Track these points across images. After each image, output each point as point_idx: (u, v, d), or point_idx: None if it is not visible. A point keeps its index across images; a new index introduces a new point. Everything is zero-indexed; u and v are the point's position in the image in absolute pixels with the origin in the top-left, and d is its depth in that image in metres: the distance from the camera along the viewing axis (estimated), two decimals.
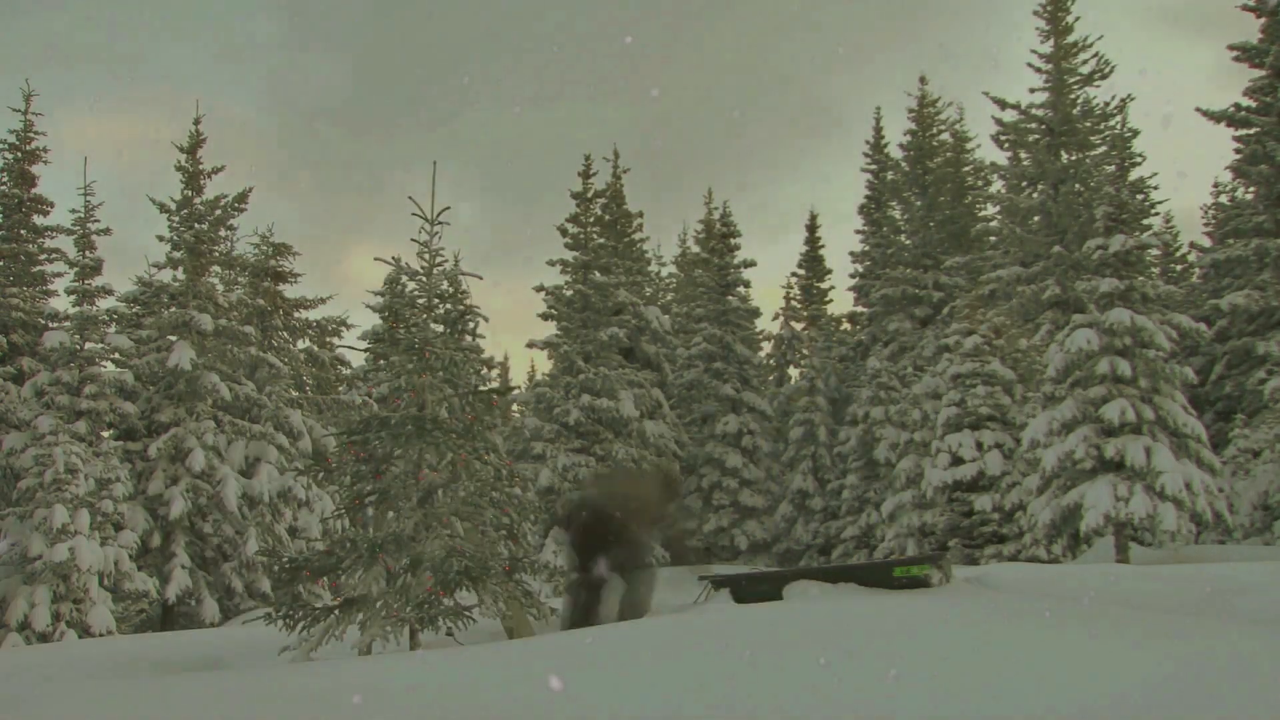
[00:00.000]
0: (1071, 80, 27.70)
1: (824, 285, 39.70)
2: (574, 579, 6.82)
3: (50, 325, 17.89)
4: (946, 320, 27.80)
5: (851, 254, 34.19)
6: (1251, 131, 24.26)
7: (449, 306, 6.77)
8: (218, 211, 19.66)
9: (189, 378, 17.69)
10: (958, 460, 18.67)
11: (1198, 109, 24.50)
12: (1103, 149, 27.13)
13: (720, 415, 28.44)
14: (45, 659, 6.68)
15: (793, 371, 32.85)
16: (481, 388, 6.76)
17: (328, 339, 26.26)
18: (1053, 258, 25.62)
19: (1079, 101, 27.63)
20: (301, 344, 25.55)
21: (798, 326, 32.99)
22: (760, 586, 6.67)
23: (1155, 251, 19.83)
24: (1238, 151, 24.82)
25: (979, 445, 18.62)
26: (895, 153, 34.45)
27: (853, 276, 33.99)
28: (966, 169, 34.02)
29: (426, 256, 6.79)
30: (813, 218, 39.54)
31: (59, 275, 22.12)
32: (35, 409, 16.15)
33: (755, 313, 31.21)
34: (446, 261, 7.14)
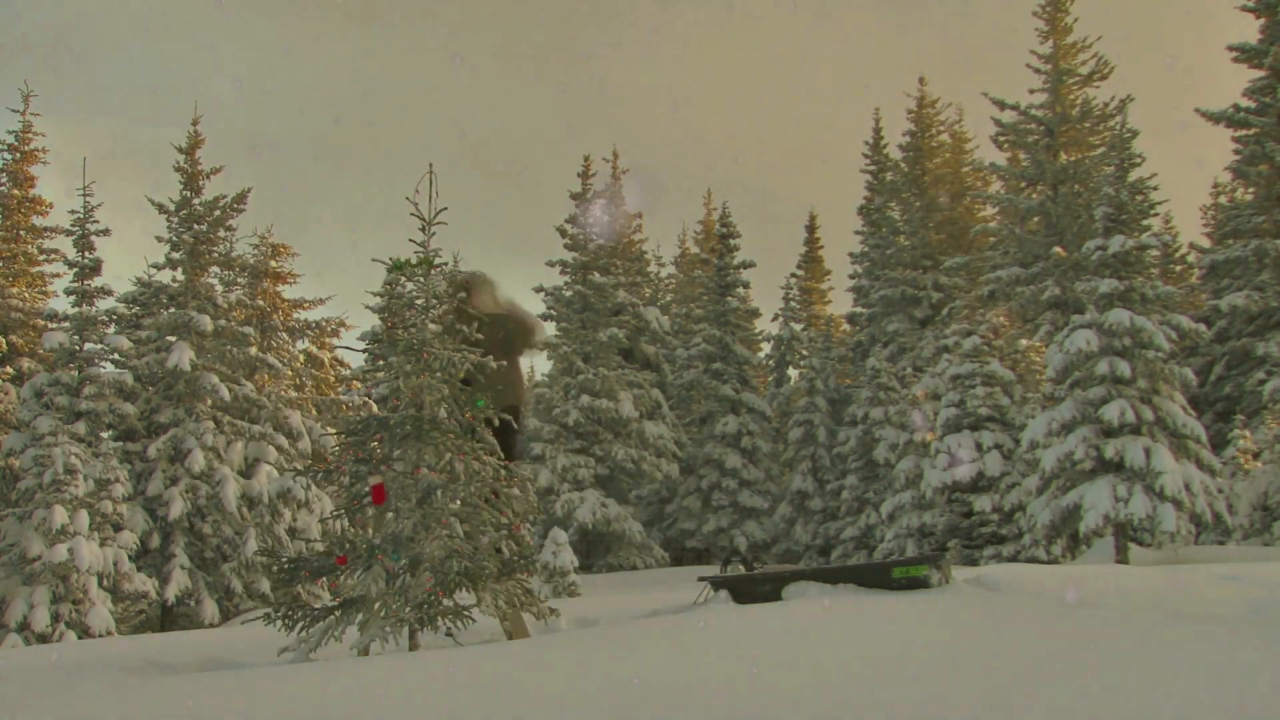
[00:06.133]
0: (1070, 81, 27.75)
1: (823, 286, 39.78)
2: None
3: (49, 326, 17.89)
4: (946, 321, 27.82)
5: (850, 255, 34.21)
6: (1251, 132, 24.29)
7: (447, 307, 6.76)
8: (216, 212, 19.67)
9: (188, 378, 17.69)
10: (957, 461, 18.67)
11: (1197, 109, 24.55)
12: (1102, 149, 27.17)
13: (719, 416, 28.46)
14: (44, 660, 6.69)
15: (792, 372, 32.88)
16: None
17: (326, 339, 26.27)
18: (1052, 258, 25.65)
19: (1078, 102, 27.67)
20: (300, 345, 25.56)
21: (797, 327, 33.01)
22: (760, 587, 6.67)
23: (1155, 252, 19.80)
24: (1237, 152, 24.86)
25: (978, 446, 18.62)
26: (894, 153, 34.48)
27: (852, 277, 34.00)
28: (965, 170, 34.05)
29: (424, 257, 6.78)
30: (812, 218, 39.68)
31: (57, 276, 22.17)
32: (34, 409, 16.15)
33: (754, 313, 31.23)
34: (445, 263, 7.14)
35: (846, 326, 35.36)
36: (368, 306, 26.77)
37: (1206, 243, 29.69)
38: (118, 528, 15.34)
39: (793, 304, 33.97)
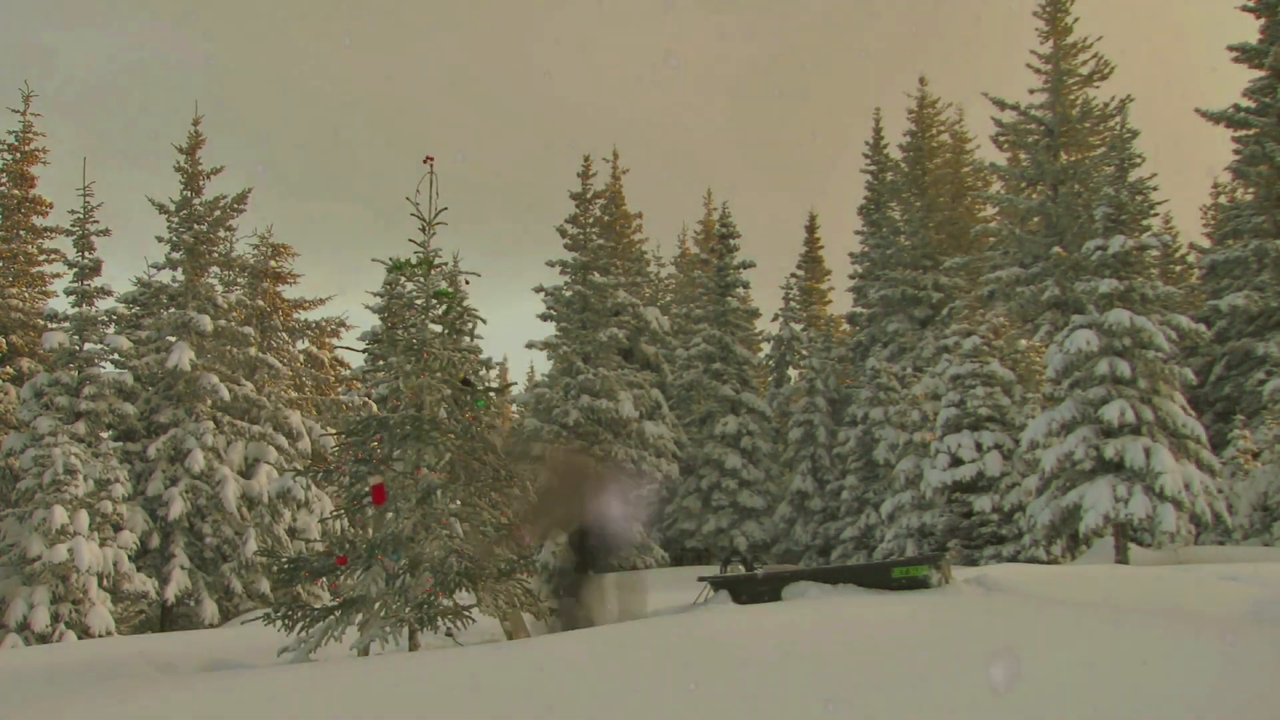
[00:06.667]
0: (1071, 81, 27.75)
1: (823, 286, 39.76)
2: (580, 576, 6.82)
3: (49, 326, 17.88)
4: (946, 321, 27.81)
5: (851, 255, 34.21)
6: (1250, 132, 24.29)
7: (447, 307, 6.76)
8: (217, 212, 19.66)
9: (188, 378, 17.69)
10: (957, 461, 18.67)
11: (1197, 110, 24.56)
12: (1102, 150, 27.17)
13: (719, 416, 28.44)
14: (45, 660, 6.69)
15: (792, 372, 32.88)
16: (478, 387, 6.75)
17: (326, 340, 26.26)
18: (1052, 258, 25.66)
19: (1078, 102, 27.67)
20: (300, 345, 25.56)
21: (797, 327, 33.01)
22: (759, 587, 6.67)
23: (1155, 252, 19.80)
24: (1237, 153, 24.86)
25: (978, 446, 18.62)
26: (895, 154, 34.47)
27: (852, 277, 34.00)
28: (966, 170, 34.03)
29: (424, 257, 6.78)
30: (812, 218, 39.63)
31: (58, 276, 22.17)
32: (34, 410, 16.14)
33: (754, 313, 31.21)
34: (445, 263, 7.14)
35: (846, 326, 35.35)
36: (368, 307, 26.78)
37: (1206, 243, 29.70)
38: (118, 528, 15.34)
39: (793, 304, 33.98)
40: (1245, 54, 24.55)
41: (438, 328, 6.77)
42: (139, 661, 6.01)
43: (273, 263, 24.36)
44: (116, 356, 17.63)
